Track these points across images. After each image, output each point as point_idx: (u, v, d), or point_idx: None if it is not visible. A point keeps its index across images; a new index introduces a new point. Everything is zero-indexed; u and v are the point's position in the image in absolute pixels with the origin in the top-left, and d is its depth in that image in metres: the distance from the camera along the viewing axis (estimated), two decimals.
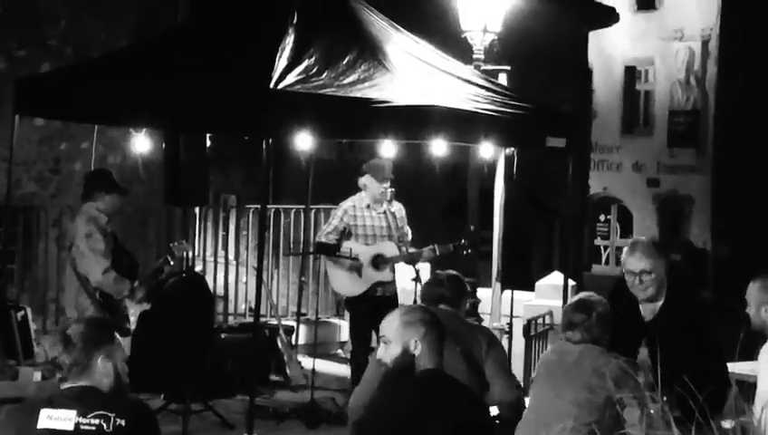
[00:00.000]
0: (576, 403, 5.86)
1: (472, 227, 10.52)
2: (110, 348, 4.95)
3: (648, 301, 6.86)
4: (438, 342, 5.41)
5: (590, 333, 6.18)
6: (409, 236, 10.68)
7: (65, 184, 14.63)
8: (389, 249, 10.43)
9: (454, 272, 7.21)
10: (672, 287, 6.90)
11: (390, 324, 5.44)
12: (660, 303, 6.86)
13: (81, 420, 4.77)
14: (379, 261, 10.42)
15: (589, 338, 6.17)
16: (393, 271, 10.58)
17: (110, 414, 4.78)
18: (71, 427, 4.76)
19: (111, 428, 4.76)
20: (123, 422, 4.78)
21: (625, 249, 6.99)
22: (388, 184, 10.45)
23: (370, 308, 10.05)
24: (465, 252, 10.42)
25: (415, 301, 10.27)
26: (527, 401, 6.56)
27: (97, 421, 4.76)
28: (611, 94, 32.18)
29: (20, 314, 10.79)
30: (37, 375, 10.32)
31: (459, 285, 7.11)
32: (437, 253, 10.42)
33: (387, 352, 5.40)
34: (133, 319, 9.43)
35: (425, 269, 11.03)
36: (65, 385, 4.90)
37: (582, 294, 6.53)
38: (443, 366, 5.45)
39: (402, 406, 5.27)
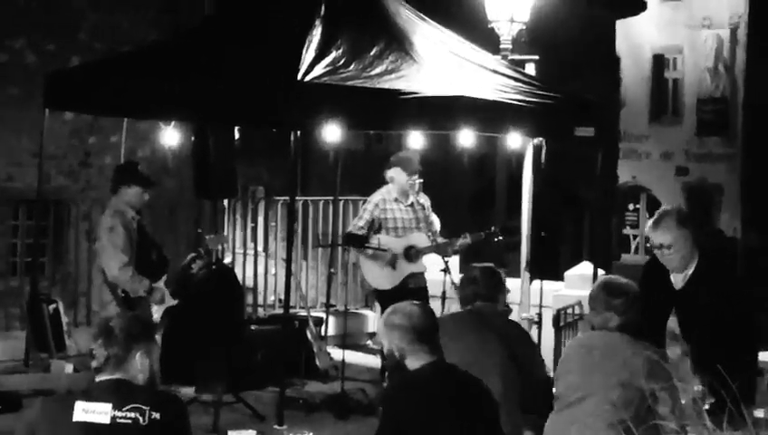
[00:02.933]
0: (607, 400, 5.79)
1: (492, 228, 10.47)
2: (148, 345, 4.98)
3: (677, 270, 6.85)
4: (423, 342, 5.45)
5: (626, 315, 6.06)
6: (437, 225, 10.67)
7: (95, 177, 14.66)
8: (421, 240, 10.43)
9: (487, 265, 7.06)
10: (703, 254, 6.88)
11: (379, 325, 5.65)
12: (691, 271, 6.84)
13: (117, 413, 4.79)
14: (411, 253, 10.41)
15: (625, 321, 6.04)
16: (423, 262, 10.58)
17: (144, 407, 4.81)
18: (107, 420, 4.78)
19: (147, 420, 4.79)
20: (158, 415, 4.81)
21: (649, 222, 6.99)
22: (416, 176, 10.42)
23: (400, 300, 10.02)
24: (496, 239, 10.39)
25: (444, 292, 10.28)
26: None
27: (132, 414, 4.79)
28: (639, 83, 32.00)
29: (52, 307, 10.86)
30: (69, 368, 10.39)
31: (493, 279, 6.98)
32: (469, 241, 10.41)
33: (384, 347, 5.57)
34: (156, 316, 9.41)
35: (453, 259, 11.01)
36: (100, 377, 4.92)
37: (610, 277, 6.48)
38: (441, 361, 5.51)
39: (401, 400, 5.35)
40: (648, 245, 7.06)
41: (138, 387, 4.90)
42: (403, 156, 10.51)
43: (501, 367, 6.53)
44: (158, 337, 5.15)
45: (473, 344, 6.55)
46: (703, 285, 6.77)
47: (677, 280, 6.89)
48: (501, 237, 10.40)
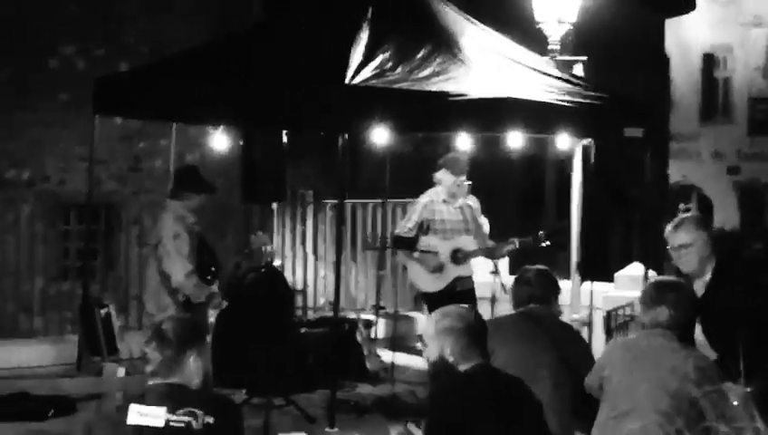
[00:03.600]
0: (657, 411, 5.75)
1: (540, 233, 10.44)
2: (201, 348, 5.02)
3: (696, 276, 6.84)
4: (475, 345, 5.46)
5: (677, 310, 6.00)
6: (487, 227, 10.64)
7: (145, 182, 14.77)
8: (468, 243, 10.41)
9: (541, 267, 7.03)
10: (720, 261, 6.88)
11: (427, 329, 5.60)
12: (708, 276, 6.84)
13: (171, 416, 4.83)
14: (458, 256, 10.40)
15: (677, 316, 5.98)
16: (470, 265, 10.57)
17: (198, 411, 4.84)
18: (161, 424, 4.82)
19: (200, 424, 4.82)
20: (211, 420, 4.84)
21: (668, 226, 7.00)
22: (463, 177, 10.41)
23: (449, 304, 10.02)
24: (544, 243, 10.34)
25: (493, 295, 10.26)
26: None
27: (186, 418, 4.82)
28: (689, 82, 31.81)
29: (103, 311, 10.94)
30: (121, 371, 10.43)
31: (548, 281, 6.96)
32: (517, 246, 10.36)
33: (428, 352, 5.55)
34: (211, 320, 9.50)
35: (503, 261, 11.00)
36: (154, 380, 4.95)
37: (663, 277, 6.48)
38: (488, 364, 5.52)
39: (452, 401, 5.33)
40: (667, 247, 7.07)
41: (192, 391, 4.93)
42: (450, 157, 10.50)
43: (552, 370, 6.52)
44: (208, 339, 5.17)
45: (524, 347, 6.55)
46: (719, 292, 6.75)
47: (698, 287, 6.86)
48: (548, 242, 10.36)
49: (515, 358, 6.39)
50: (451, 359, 5.41)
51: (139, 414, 4.84)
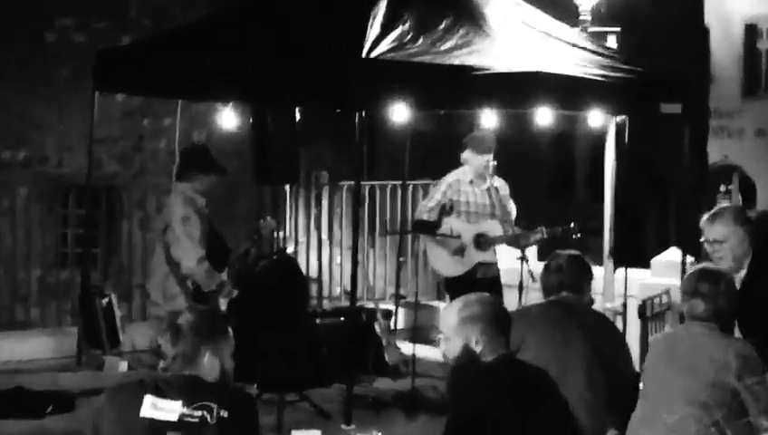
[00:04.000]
0: (697, 402, 5.75)
1: (572, 224, 10.40)
2: (219, 344, 5.03)
3: (732, 272, 6.81)
4: (501, 334, 5.42)
5: (715, 302, 5.99)
6: (514, 214, 10.60)
7: (149, 163, 14.78)
8: (493, 229, 10.39)
9: (574, 252, 7.00)
10: (756, 249, 6.86)
11: (448, 320, 5.47)
12: (744, 272, 6.82)
13: (186, 410, 4.86)
14: (481, 241, 10.38)
15: (713, 308, 5.99)
16: (495, 252, 10.54)
17: (213, 405, 4.87)
18: (175, 418, 4.85)
19: (215, 419, 4.85)
20: (226, 414, 4.87)
21: (705, 215, 6.97)
22: (490, 156, 10.37)
23: (471, 291, 10.01)
24: (575, 235, 10.28)
25: (521, 282, 10.23)
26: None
27: (200, 413, 4.85)
28: (730, 55, 31.67)
29: (105, 300, 10.98)
30: (123, 365, 10.50)
31: (581, 268, 6.93)
32: (545, 236, 10.32)
33: (447, 348, 5.45)
34: (222, 309, 9.51)
35: (531, 247, 10.97)
36: (171, 372, 4.98)
37: (706, 264, 6.45)
38: (512, 354, 5.50)
39: (476, 397, 5.29)
40: (701, 240, 7.04)
41: (209, 384, 4.96)
42: (475, 135, 10.47)
43: (584, 362, 6.52)
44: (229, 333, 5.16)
45: (555, 338, 6.55)
46: (758, 277, 6.73)
47: (739, 277, 6.84)
48: (580, 234, 10.30)
49: (547, 349, 6.40)
50: (479, 349, 5.35)
51: (153, 407, 4.87)
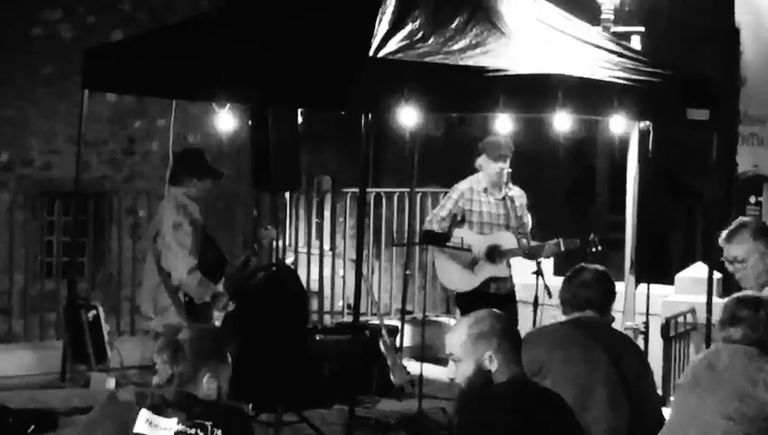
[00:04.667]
0: (725, 415, 5.76)
1: (592, 237, 10.37)
2: (218, 366, 5.07)
3: (753, 290, 6.81)
4: (515, 351, 5.38)
5: (754, 330, 5.97)
6: (530, 226, 10.57)
7: (140, 166, 14.82)
8: (507, 241, 10.35)
9: (601, 268, 6.94)
10: None
11: (457, 340, 5.40)
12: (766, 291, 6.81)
13: (180, 428, 4.95)
14: (494, 254, 10.36)
15: (752, 336, 5.99)
16: (509, 265, 10.51)
17: (207, 423, 4.95)
18: None
19: None
20: (220, 432, 4.95)
21: (723, 232, 6.98)
22: (503, 163, 10.35)
23: (483, 307, 10.00)
24: (594, 249, 10.24)
25: (536, 298, 10.22)
26: (665, 411, 6.51)
27: (194, 431, 4.94)
28: (762, 57, 31.67)
29: (91, 313, 10.98)
30: (111, 382, 10.50)
31: (608, 287, 6.88)
32: (562, 248, 10.28)
33: (458, 371, 5.39)
34: (216, 323, 9.51)
35: (547, 260, 10.96)
36: (167, 388, 5.05)
37: (748, 291, 6.44)
38: (524, 375, 5.45)
39: (485, 426, 5.25)
40: (721, 259, 7.05)
41: (204, 402, 5.04)
42: (489, 140, 10.45)
43: (609, 389, 6.51)
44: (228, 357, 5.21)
45: (579, 361, 6.52)
46: None
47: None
48: (599, 248, 10.27)
49: (570, 374, 6.38)
50: (493, 367, 5.31)
51: (148, 423, 4.95)
